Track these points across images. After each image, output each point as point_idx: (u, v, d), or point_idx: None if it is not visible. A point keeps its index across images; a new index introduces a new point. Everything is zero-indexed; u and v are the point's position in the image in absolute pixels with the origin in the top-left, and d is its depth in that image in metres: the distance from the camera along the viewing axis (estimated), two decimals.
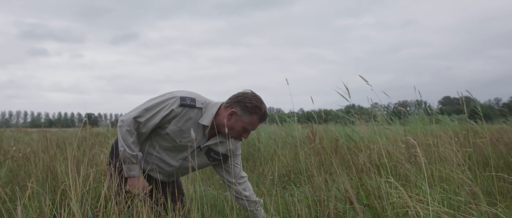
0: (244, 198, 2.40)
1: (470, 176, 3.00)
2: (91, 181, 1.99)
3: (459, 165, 3.33)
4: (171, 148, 2.26)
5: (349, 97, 4.02)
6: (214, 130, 2.25)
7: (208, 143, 2.27)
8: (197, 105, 2.17)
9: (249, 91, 2.24)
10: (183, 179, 3.91)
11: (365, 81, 2.66)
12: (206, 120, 2.19)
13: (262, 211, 2.46)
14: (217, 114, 2.22)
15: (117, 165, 2.14)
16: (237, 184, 2.41)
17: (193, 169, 2.31)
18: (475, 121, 7.98)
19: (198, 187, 2.94)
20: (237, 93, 2.24)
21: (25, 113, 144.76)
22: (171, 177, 2.39)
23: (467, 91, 2.97)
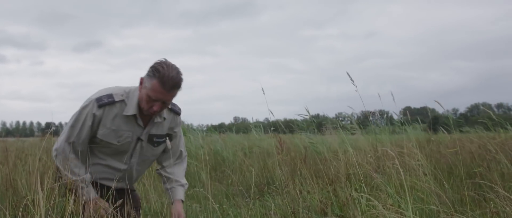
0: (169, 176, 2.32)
1: (437, 186, 3.07)
2: (56, 195, 1.88)
3: (425, 174, 3.40)
4: (114, 152, 2.12)
5: (309, 114, 4.05)
6: (147, 116, 2.10)
7: (146, 131, 2.12)
8: (116, 99, 2.03)
9: (161, 58, 2.03)
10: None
11: (351, 80, 2.66)
12: (131, 109, 2.04)
13: (180, 189, 2.33)
14: (138, 96, 2.05)
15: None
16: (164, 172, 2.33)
17: (150, 162, 2.26)
18: (434, 131, 8.24)
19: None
20: None
21: None
22: (130, 180, 2.25)
23: (436, 101, 3.00)
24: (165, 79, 1.92)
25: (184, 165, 2.45)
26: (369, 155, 4.45)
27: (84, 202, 2.00)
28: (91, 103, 2.02)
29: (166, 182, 2.33)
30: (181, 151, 2.39)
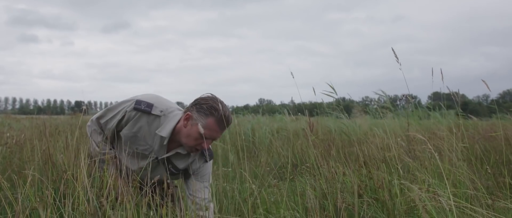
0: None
1: (471, 171, 3.00)
2: (96, 169, 1.93)
3: (460, 160, 3.33)
4: (132, 154, 2.09)
5: (336, 94, 3.94)
6: (176, 143, 2.04)
7: (165, 155, 2.05)
8: (152, 112, 1.96)
9: (209, 94, 2.01)
10: None
11: (396, 57, 2.60)
12: (165, 131, 1.96)
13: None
14: (178, 126, 1.99)
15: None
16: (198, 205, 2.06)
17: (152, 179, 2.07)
18: (464, 117, 8.02)
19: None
20: (196, 98, 2.02)
21: (14, 100, 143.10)
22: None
23: (483, 81, 2.90)
24: (223, 119, 1.92)
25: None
26: (399, 139, 4.38)
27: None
28: (131, 102, 2.01)
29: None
30: (206, 198, 2.13)
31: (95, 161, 2.06)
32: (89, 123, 2.15)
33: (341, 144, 4.41)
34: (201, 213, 2.02)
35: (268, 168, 4.42)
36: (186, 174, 2.16)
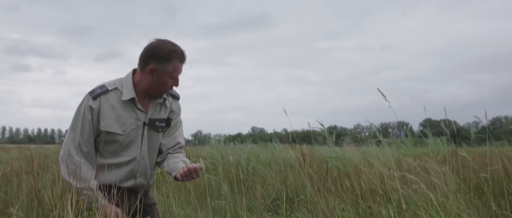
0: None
1: (468, 204, 2.95)
2: (83, 209, 1.84)
3: (455, 191, 3.27)
4: (122, 147, 2.04)
5: (324, 128, 3.92)
6: (146, 99, 2.09)
7: (149, 114, 2.08)
8: (109, 88, 2.02)
9: (154, 40, 2.04)
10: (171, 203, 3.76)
11: (383, 96, 2.58)
12: (127, 94, 2.01)
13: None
14: (136, 81, 2.05)
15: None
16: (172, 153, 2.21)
17: (156, 151, 2.16)
18: (456, 144, 8.00)
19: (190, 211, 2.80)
20: (143, 51, 2.04)
21: (3, 129, 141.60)
22: (144, 175, 2.13)
23: (476, 117, 2.88)
24: (181, 55, 2.02)
25: (184, 155, 2.29)
26: (392, 170, 4.33)
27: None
28: (85, 98, 1.99)
29: (168, 159, 2.18)
30: (179, 142, 2.25)
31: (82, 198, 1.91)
32: (60, 161, 1.96)
33: (336, 175, 4.35)
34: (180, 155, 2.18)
35: (262, 201, 4.33)
36: (168, 121, 2.19)
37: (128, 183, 2.07)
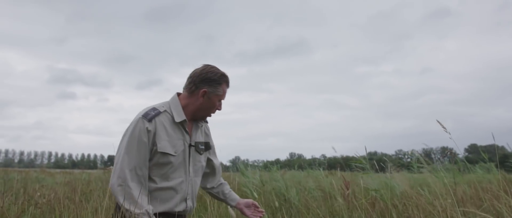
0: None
1: None
2: None
3: None
4: (172, 169, 2.04)
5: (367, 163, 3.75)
6: (190, 123, 2.19)
7: (193, 137, 2.17)
8: (161, 110, 2.06)
9: (200, 66, 2.17)
10: None
11: (443, 127, 2.39)
12: (179, 116, 2.08)
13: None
14: (183, 105, 2.14)
15: None
16: (217, 187, 2.44)
17: (201, 174, 2.25)
18: (504, 170, 7.46)
19: None
20: (191, 75, 2.14)
21: (50, 154, 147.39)
22: (190, 200, 2.14)
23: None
24: (228, 79, 2.18)
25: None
26: (448, 200, 4.03)
27: None
28: (140, 121, 1.97)
29: (221, 190, 2.44)
30: (219, 165, 2.46)
31: None
32: (114, 188, 1.89)
33: (384, 206, 4.09)
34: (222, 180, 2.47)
35: None
36: (206, 145, 2.28)
37: (180, 207, 2.07)
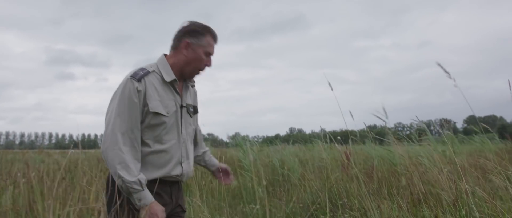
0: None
1: None
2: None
3: None
4: (165, 130, 1.95)
5: (387, 117, 3.53)
6: (180, 83, 2.08)
7: (184, 99, 2.08)
8: (150, 70, 1.96)
9: (187, 21, 2.08)
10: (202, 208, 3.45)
11: (446, 71, 2.15)
12: (168, 75, 1.99)
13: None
14: (171, 64, 2.03)
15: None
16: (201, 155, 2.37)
17: (191, 135, 2.14)
18: (502, 140, 7.31)
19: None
20: (176, 32, 2.06)
21: (50, 135, 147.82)
22: (186, 163, 2.06)
23: None
24: (214, 32, 2.05)
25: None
26: (447, 170, 3.84)
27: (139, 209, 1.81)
28: (129, 81, 1.87)
29: (203, 158, 2.38)
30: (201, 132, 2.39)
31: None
32: (105, 151, 1.81)
33: (387, 176, 3.88)
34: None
35: (301, 205, 3.94)
36: (194, 109, 2.20)
37: (177, 171, 2.00)
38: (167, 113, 1.95)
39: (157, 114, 1.91)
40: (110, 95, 1.90)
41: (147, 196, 1.80)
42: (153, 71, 1.98)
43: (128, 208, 1.80)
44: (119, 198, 1.78)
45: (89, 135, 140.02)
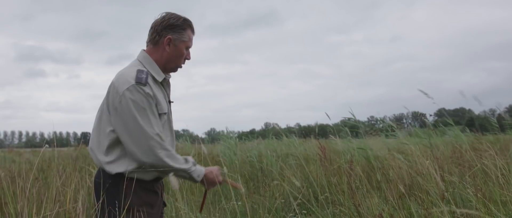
0: None
1: None
2: None
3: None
4: (166, 127, 1.98)
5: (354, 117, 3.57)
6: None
7: (170, 94, 2.09)
8: (145, 70, 1.93)
9: (164, 14, 2.02)
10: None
11: (425, 93, 2.18)
12: (159, 74, 1.97)
13: None
14: (155, 60, 1.99)
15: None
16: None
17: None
18: (470, 131, 7.52)
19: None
20: (152, 26, 2.01)
21: (20, 133, 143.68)
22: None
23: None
24: (192, 24, 2.04)
25: None
26: (428, 161, 3.89)
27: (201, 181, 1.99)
28: (137, 88, 1.83)
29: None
30: None
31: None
32: (161, 150, 1.84)
33: (363, 169, 3.90)
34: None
35: (282, 200, 3.92)
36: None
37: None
38: (166, 112, 1.97)
39: (162, 114, 1.93)
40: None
41: (201, 169, 1.98)
42: (147, 71, 1.95)
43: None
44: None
45: (61, 133, 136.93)
